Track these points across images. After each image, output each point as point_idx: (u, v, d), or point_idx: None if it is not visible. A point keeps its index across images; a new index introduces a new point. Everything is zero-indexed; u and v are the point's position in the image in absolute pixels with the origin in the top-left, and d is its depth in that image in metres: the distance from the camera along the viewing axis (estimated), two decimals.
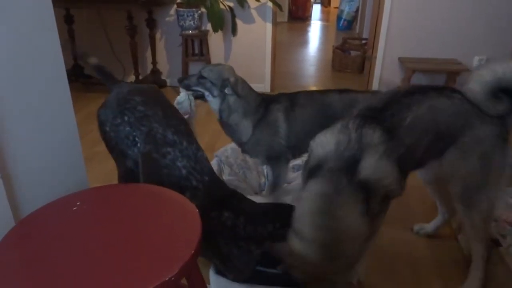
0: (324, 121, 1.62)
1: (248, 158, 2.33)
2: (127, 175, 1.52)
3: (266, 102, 1.89)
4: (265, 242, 1.28)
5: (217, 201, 1.37)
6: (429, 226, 1.90)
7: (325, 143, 1.22)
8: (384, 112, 1.26)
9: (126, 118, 1.47)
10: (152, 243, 0.92)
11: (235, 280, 1.39)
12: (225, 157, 2.26)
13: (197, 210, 1.00)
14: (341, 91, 1.92)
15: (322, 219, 1.10)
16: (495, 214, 1.52)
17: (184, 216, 1.00)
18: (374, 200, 1.16)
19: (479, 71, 1.34)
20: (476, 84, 1.31)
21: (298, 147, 1.84)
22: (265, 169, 2.27)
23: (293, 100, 1.88)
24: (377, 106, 1.29)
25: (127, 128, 1.47)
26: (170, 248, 0.90)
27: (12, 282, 0.80)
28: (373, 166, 1.15)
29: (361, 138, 1.18)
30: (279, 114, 1.84)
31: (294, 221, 1.15)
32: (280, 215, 1.33)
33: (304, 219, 1.13)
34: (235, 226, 1.32)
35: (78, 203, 1.04)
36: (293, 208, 1.20)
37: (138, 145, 1.47)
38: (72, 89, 1.23)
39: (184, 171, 1.39)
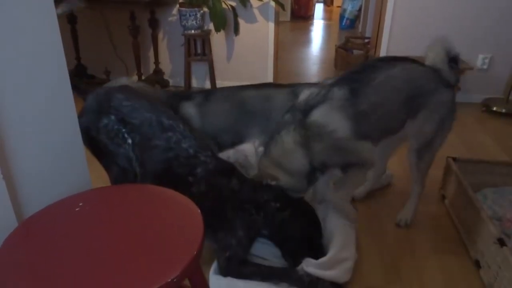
0: (242, 116, 1.74)
1: (249, 158, 2.33)
2: (121, 175, 1.54)
3: (177, 98, 1.90)
4: (264, 206, 1.47)
5: (224, 170, 1.52)
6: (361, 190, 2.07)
7: (305, 93, 1.53)
8: (358, 74, 1.52)
9: (112, 117, 1.50)
10: (154, 244, 0.92)
11: (232, 256, 1.48)
12: (226, 158, 2.27)
13: (199, 211, 1.00)
14: (258, 86, 1.96)
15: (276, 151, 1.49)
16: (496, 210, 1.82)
17: (187, 217, 1.00)
18: (319, 145, 1.43)
19: (434, 47, 1.70)
20: (435, 56, 1.64)
21: (216, 141, 1.87)
22: None
23: (207, 96, 1.91)
24: (355, 69, 1.56)
25: (115, 127, 1.50)
26: (173, 249, 0.90)
27: (15, 283, 0.80)
28: (322, 113, 1.42)
29: (328, 93, 1.46)
30: (190, 110, 1.87)
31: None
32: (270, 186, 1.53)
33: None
34: (241, 190, 1.48)
35: (80, 204, 1.04)
36: None
37: (129, 140, 1.49)
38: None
39: (191, 150, 1.49)
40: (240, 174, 1.56)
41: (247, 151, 2.42)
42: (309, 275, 1.47)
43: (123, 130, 1.49)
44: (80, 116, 1.55)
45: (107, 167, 1.57)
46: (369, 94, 1.47)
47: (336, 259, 1.55)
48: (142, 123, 1.48)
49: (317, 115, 1.43)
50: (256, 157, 2.38)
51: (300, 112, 1.47)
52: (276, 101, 1.81)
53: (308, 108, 1.46)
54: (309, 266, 1.49)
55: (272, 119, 1.74)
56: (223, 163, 1.57)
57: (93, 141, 1.52)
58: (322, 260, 1.52)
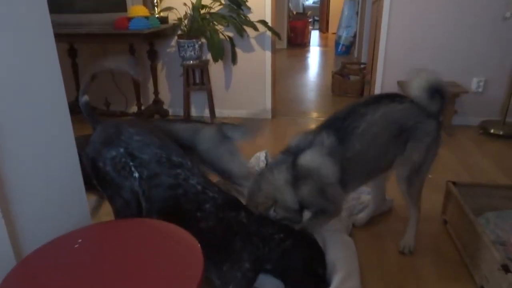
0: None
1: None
2: (125, 208, 1.54)
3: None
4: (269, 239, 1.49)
5: (232, 204, 1.54)
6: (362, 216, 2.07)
7: (295, 138, 1.70)
8: (343, 122, 1.63)
9: (121, 150, 1.51)
10: (155, 280, 0.91)
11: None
12: (223, 182, 2.28)
13: (199, 245, 1.00)
14: (187, 121, 2.09)
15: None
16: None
17: (187, 252, 0.99)
18: (305, 187, 1.56)
19: (416, 78, 1.71)
20: (416, 89, 1.68)
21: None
22: None
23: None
24: (339, 116, 1.67)
25: (123, 159, 1.51)
26: (173, 284, 0.89)
27: None
28: (311, 157, 1.56)
29: (316, 138, 1.60)
30: None
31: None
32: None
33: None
34: (249, 223, 1.50)
35: (79, 241, 1.04)
36: None
37: (135, 174, 1.50)
38: (74, 121, 1.25)
39: (199, 187, 1.51)
40: (247, 208, 1.58)
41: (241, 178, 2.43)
42: None
43: (131, 163, 1.51)
44: (87, 146, 1.58)
45: (111, 199, 1.58)
46: (354, 142, 1.60)
47: None
48: (151, 159, 1.51)
49: (307, 159, 1.57)
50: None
51: (291, 154, 1.61)
52: (203, 134, 1.95)
53: (298, 151, 1.60)
54: None
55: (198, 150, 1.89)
56: (230, 197, 1.59)
57: (99, 171, 1.54)
58: None
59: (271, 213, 1.59)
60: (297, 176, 1.57)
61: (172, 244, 1.04)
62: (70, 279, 0.92)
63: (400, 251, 1.91)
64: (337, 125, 1.64)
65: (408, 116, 1.68)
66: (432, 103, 1.69)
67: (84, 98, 1.78)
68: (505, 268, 1.47)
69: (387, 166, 1.77)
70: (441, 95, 1.70)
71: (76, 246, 1.02)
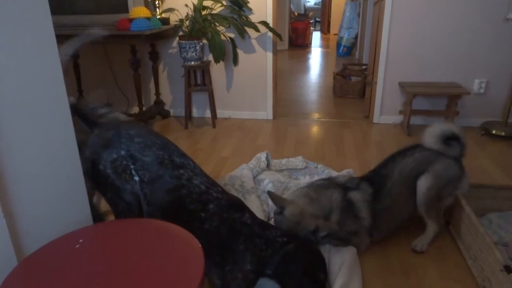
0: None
1: (245, 183, 2.34)
2: (126, 210, 1.53)
3: None
4: (272, 242, 1.49)
5: (236, 205, 1.55)
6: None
7: (343, 175, 2.19)
8: (377, 178, 1.91)
9: (122, 152, 1.50)
10: (156, 279, 0.91)
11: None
12: (222, 184, 2.28)
13: (200, 246, 1.00)
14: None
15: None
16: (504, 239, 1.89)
17: (188, 252, 0.99)
18: (350, 218, 1.81)
19: (430, 129, 1.93)
20: (428, 138, 1.91)
21: None
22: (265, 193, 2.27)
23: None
24: (374, 173, 1.96)
25: (124, 162, 1.49)
26: (174, 285, 0.89)
27: None
28: (359, 197, 1.83)
29: (360, 184, 1.89)
30: None
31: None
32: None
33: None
34: (253, 224, 1.51)
35: (80, 241, 1.04)
36: None
37: (136, 178, 1.49)
38: (76, 122, 1.25)
39: (203, 187, 1.51)
40: (250, 209, 1.58)
41: (244, 176, 2.43)
42: None
43: (132, 166, 1.49)
44: (86, 148, 1.56)
45: (111, 201, 1.57)
46: (384, 197, 1.86)
47: None
48: (153, 161, 1.49)
49: (357, 197, 1.83)
50: (252, 182, 2.39)
51: (341, 189, 1.85)
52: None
53: (346, 187, 1.86)
54: None
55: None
56: (233, 197, 1.59)
57: (99, 174, 1.53)
58: None
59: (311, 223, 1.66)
60: (344, 207, 1.80)
61: (173, 244, 1.03)
62: (72, 279, 0.92)
63: (412, 248, 1.94)
64: (372, 179, 1.91)
65: (419, 165, 1.88)
66: (447, 148, 1.89)
67: (70, 100, 1.75)
68: (508, 269, 1.46)
69: (409, 214, 1.97)
70: (458, 140, 1.89)
71: (77, 246, 1.02)
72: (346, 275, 1.62)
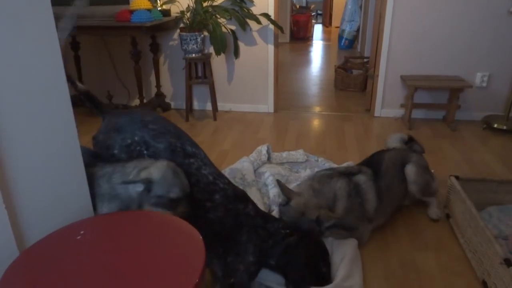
0: None
1: (246, 176, 2.35)
2: None
3: None
4: (274, 233, 1.50)
5: (240, 196, 1.57)
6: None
7: (344, 165, 2.51)
8: (370, 162, 2.12)
9: (137, 138, 1.51)
10: (156, 272, 0.91)
11: (237, 283, 1.47)
12: None
13: (202, 238, 1.00)
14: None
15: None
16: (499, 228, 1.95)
17: (188, 243, 0.99)
18: (356, 203, 1.88)
19: (390, 139, 2.39)
20: (392, 143, 2.34)
21: None
22: (270, 188, 2.27)
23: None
24: (364, 161, 2.18)
25: (138, 148, 1.51)
26: (175, 276, 0.89)
27: None
28: (364, 180, 1.94)
29: (361, 168, 2.03)
30: None
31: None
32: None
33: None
34: (256, 215, 1.53)
35: (82, 232, 1.04)
36: None
37: None
38: (77, 113, 1.25)
39: (211, 177, 1.53)
40: (253, 201, 1.59)
41: (244, 169, 2.43)
42: None
43: (145, 152, 1.52)
44: (101, 132, 1.57)
45: None
46: (383, 174, 2.02)
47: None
48: (166, 148, 1.51)
49: (362, 179, 1.94)
50: (253, 175, 2.39)
51: (345, 174, 1.93)
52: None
53: (349, 173, 1.95)
54: None
55: None
56: (238, 189, 1.61)
57: (113, 158, 1.54)
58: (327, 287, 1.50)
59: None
60: (351, 190, 1.87)
61: (174, 236, 1.04)
62: (72, 269, 0.92)
63: (430, 218, 2.12)
64: (369, 163, 2.09)
65: (402, 156, 2.17)
66: (412, 146, 2.29)
67: (81, 87, 1.74)
68: (507, 262, 1.46)
69: (402, 199, 2.13)
70: (415, 141, 2.33)
71: (78, 237, 1.02)
72: (348, 267, 1.63)
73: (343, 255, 1.70)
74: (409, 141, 2.33)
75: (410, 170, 2.09)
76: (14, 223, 1.03)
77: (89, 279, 0.89)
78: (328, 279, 1.56)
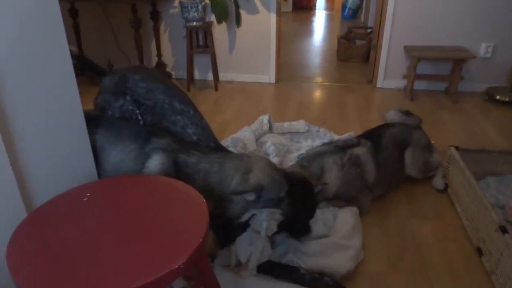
0: None
1: (248, 145, 2.37)
2: None
3: None
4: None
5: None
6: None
7: (345, 136, 2.53)
8: (370, 136, 2.11)
9: (128, 98, 1.53)
10: (161, 232, 0.94)
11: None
12: (225, 146, 2.30)
13: (204, 200, 1.02)
14: None
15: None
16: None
17: (192, 206, 1.02)
18: (356, 170, 1.92)
19: (388, 115, 2.37)
20: (391, 117, 2.33)
21: None
22: (271, 157, 2.29)
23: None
24: (365, 134, 2.16)
25: (130, 107, 1.53)
26: (179, 237, 0.92)
27: (27, 271, 0.83)
28: (361, 151, 1.96)
29: (360, 140, 2.04)
30: None
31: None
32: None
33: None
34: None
35: (87, 194, 1.06)
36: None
37: (141, 122, 1.52)
38: (78, 82, 1.24)
39: (194, 138, 1.51)
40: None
41: (246, 139, 2.45)
42: (310, 272, 1.48)
43: (137, 111, 1.53)
44: (97, 96, 1.58)
45: None
46: (383, 149, 2.03)
47: (336, 245, 1.59)
48: (155, 105, 1.52)
49: (361, 151, 1.95)
50: (255, 144, 2.41)
51: (340, 147, 1.96)
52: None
53: (346, 146, 1.97)
54: (310, 256, 1.52)
55: None
56: (221, 148, 1.59)
57: (110, 119, 1.55)
58: (322, 241, 1.56)
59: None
60: (345, 163, 1.89)
61: (177, 197, 1.06)
62: (79, 230, 0.95)
63: (434, 188, 2.15)
64: (369, 136, 2.10)
65: (402, 133, 2.17)
66: (410, 119, 2.28)
67: (72, 48, 1.72)
68: (502, 229, 1.50)
69: (401, 175, 2.13)
70: (410, 113, 2.33)
71: (84, 199, 1.05)
72: (349, 230, 1.69)
73: (346, 221, 1.74)
74: (407, 114, 2.35)
75: (408, 156, 2.12)
76: (22, 187, 1.06)
77: (95, 238, 0.92)
78: (307, 230, 1.60)
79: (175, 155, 1.34)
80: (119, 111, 1.53)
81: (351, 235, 1.67)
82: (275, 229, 1.48)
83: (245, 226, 1.53)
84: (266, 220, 1.46)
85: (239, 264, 1.51)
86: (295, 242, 1.60)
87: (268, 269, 1.50)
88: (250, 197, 1.30)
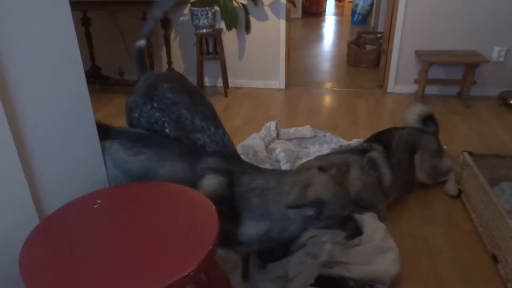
0: None
1: (259, 152, 2.36)
2: None
3: None
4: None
5: None
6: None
7: (354, 142, 2.53)
8: (379, 139, 2.10)
9: (155, 104, 1.52)
10: (171, 239, 0.94)
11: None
12: None
13: (214, 207, 1.02)
14: None
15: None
16: None
17: (202, 213, 1.02)
18: (374, 173, 1.91)
19: (408, 111, 2.32)
20: (409, 118, 2.28)
21: None
22: (282, 163, 2.28)
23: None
24: (373, 137, 2.17)
25: (157, 114, 1.52)
26: (189, 244, 0.92)
27: (39, 278, 0.83)
28: (376, 155, 1.95)
29: (371, 145, 2.03)
30: None
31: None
32: None
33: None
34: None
35: (98, 201, 1.07)
36: None
37: (166, 130, 1.51)
38: (90, 90, 1.26)
39: None
40: None
41: (256, 146, 2.44)
42: (361, 284, 1.41)
43: (163, 119, 1.51)
44: (130, 95, 1.59)
45: None
46: (394, 152, 2.02)
47: (377, 249, 1.54)
48: (178, 119, 1.49)
49: (375, 155, 1.95)
50: (265, 151, 2.40)
51: (358, 151, 1.97)
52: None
53: (363, 150, 1.98)
54: (354, 266, 1.46)
55: None
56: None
57: (133, 121, 1.55)
58: (362, 248, 1.50)
59: None
60: (364, 166, 1.89)
61: (188, 205, 1.06)
62: (90, 237, 0.96)
63: (447, 194, 2.11)
64: (379, 139, 2.10)
65: (411, 136, 2.14)
66: (426, 126, 2.23)
67: (141, 43, 1.74)
68: None
69: (413, 182, 2.12)
70: (433, 121, 2.25)
71: (95, 206, 1.05)
72: (384, 232, 1.64)
73: (376, 225, 1.69)
74: (429, 119, 2.26)
75: (417, 160, 2.10)
76: (34, 194, 1.07)
77: (107, 245, 0.92)
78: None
79: (228, 174, 1.28)
80: (146, 115, 1.52)
81: (386, 238, 1.63)
82: (337, 256, 1.39)
83: (286, 253, 1.47)
84: (328, 243, 1.39)
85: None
86: (335, 253, 1.51)
87: (316, 283, 1.41)
88: (309, 212, 1.20)
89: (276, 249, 1.49)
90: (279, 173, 1.34)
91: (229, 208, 1.24)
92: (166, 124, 1.50)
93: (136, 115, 1.53)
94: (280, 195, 1.23)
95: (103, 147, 1.33)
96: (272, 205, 1.23)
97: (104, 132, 1.38)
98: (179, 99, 1.51)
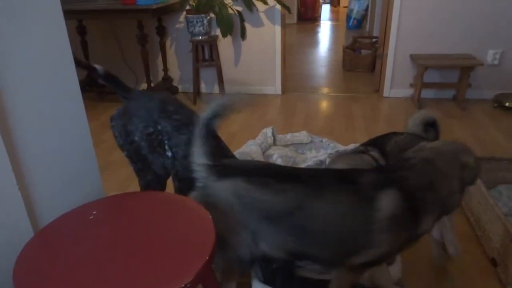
0: None
1: (256, 159, 2.36)
2: (156, 183, 1.56)
3: None
4: None
5: None
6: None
7: (350, 147, 2.33)
8: (375, 143, 2.01)
9: (159, 127, 1.48)
10: (167, 250, 0.93)
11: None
12: None
13: (210, 216, 1.01)
14: None
15: None
16: None
17: (199, 223, 1.01)
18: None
19: (412, 116, 2.12)
20: (411, 124, 2.11)
21: None
22: None
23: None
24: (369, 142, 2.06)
25: (159, 137, 1.48)
26: (186, 255, 0.91)
27: None
28: (377, 156, 1.87)
29: (367, 148, 1.92)
30: None
31: None
32: None
33: None
34: None
35: (94, 212, 1.06)
36: None
37: (169, 153, 1.49)
38: (85, 98, 1.25)
39: None
40: None
41: (253, 153, 2.44)
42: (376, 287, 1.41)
43: (166, 142, 1.48)
44: (121, 115, 1.50)
45: (140, 172, 1.57)
46: (388, 158, 1.93)
47: None
48: (189, 140, 1.44)
49: (377, 156, 1.91)
50: (262, 158, 2.40)
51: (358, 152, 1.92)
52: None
53: (357, 152, 1.95)
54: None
55: None
56: None
57: (132, 144, 1.52)
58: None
59: None
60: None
61: (183, 214, 1.05)
62: (85, 249, 0.95)
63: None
64: (374, 143, 2.01)
65: (408, 142, 2.01)
66: (426, 133, 2.12)
67: (99, 69, 1.60)
68: None
69: None
70: (435, 128, 2.14)
71: (91, 217, 1.04)
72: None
73: None
74: (431, 125, 2.25)
75: None
76: (28, 205, 1.06)
77: (102, 257, 0.91)
78: None
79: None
80: (147, 138, 1.49)
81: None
82: None
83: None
84: None
85: None
86: None
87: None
88: None
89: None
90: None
91: (410, 213, 1.20)
92: (167, 147, 1.49)
93: (136, 138, 1.50)
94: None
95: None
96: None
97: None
98: (188, 120, 1.48)
